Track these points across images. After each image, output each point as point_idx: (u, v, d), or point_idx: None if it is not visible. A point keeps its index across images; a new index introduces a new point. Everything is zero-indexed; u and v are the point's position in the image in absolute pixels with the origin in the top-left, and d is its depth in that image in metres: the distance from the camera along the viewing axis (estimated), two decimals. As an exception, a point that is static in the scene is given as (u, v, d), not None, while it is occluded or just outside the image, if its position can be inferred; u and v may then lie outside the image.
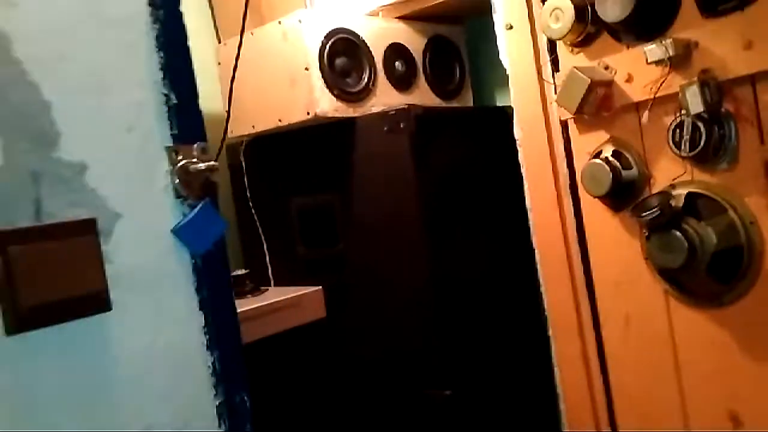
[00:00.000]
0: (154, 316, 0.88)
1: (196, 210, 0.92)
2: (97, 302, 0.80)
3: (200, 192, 0.93)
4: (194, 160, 0.93)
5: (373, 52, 1.96)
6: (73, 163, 0.81)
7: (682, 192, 1.44)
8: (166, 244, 0.91)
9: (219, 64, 2.08)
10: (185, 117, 0.94)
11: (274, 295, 1.81)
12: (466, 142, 2.02)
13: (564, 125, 1.70)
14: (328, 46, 1.86)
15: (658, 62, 1.40)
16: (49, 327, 0.77)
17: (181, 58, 0.94)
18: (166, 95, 0.92)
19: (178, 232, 0.91)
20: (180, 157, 0.93)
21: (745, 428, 1.45)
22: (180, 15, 0.94)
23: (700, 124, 1.36)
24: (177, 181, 0.92)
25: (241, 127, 2.01)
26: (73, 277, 0.78)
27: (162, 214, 0.90)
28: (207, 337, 0.93)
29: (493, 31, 1.82)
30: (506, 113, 1.86)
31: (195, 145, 0.94)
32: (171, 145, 0.92)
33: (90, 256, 0.80)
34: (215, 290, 0.95)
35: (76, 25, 0.84)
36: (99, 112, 0.85)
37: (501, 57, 1.81)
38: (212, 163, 0.93)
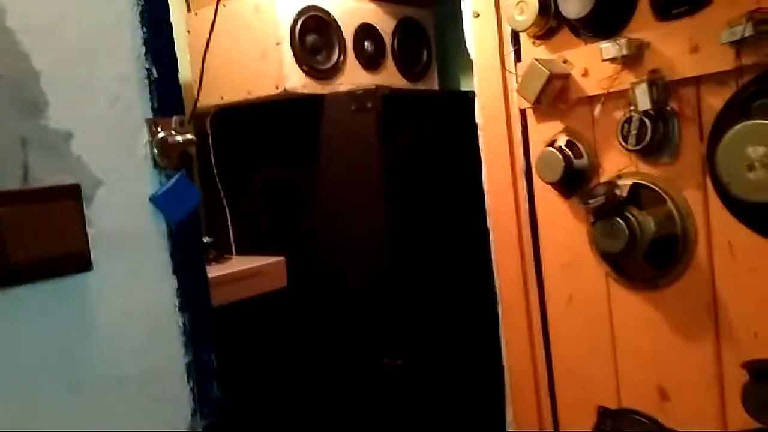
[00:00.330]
0: (130, 277, 0.94)
1: (173, 180, 0.98)
2: (79, 262, 0.86)
3: (177, 163, 0.99)
4: (173, 132, 0.98)
5: (343, 31, 2.01)
6: (59, 131, 0.86)
7: (627, 182, 1.54)
8: (143, 211, 0.96)
9: (188, 32, 2.10)
10: (165, 91, 0.98)
11: (238, 264, 1.87)
12: (430, 124, 2.09)
13: (523, 113, 1.77)
14: (299, 23, 1.90)
15: (612, 60, 1.47)
16: (35, 283, 0.82)
17: (163, 35, 0.98)
18: (147, 69, 0.96)
19: (156, 200, 0.97)
20: (159, 129, 0.97)
21: (671, 401, 1.57)
22: (163, -9, 0.99)
23: (647, 121, 1.45)
24: (156, 151, 0.97)
25: (209, 97, 2.03)
26: (57, 238, 0.83)
27: (141, 182, 0.96)
28: (179, 299, 1.00)
29: (461, 16, 1.88)
30: (469, 98, 1.92)
31: (174, 118, 0.99)
32: (151, 117, 0.97)
33: (73, 219, 0.85)
34: (188, 256, 1.01)
35: (65, -3, 0.88)
36: (85, 83, 0.89)
37: (467, 44, 1.88)
38: (189, 136, 0.99)
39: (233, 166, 2.17)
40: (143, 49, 0.96)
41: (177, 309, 0.99)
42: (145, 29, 0.96)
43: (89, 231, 0.87)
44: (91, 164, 0.89)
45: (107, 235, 0.90)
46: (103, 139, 0.91)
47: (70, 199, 0.85)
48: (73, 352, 0.87)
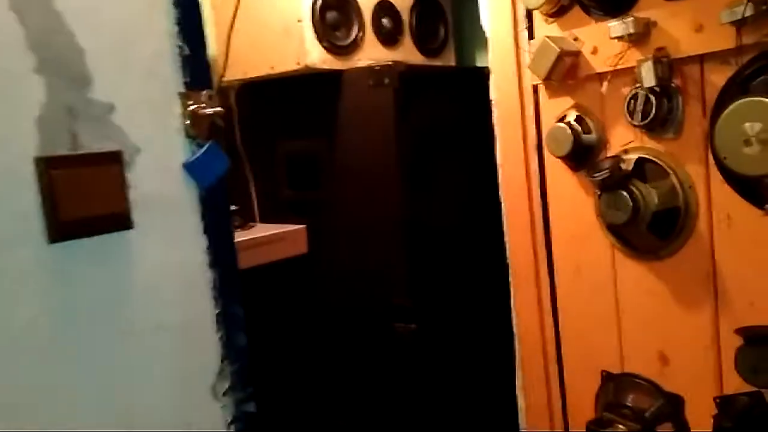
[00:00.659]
0: (166, 236, 1.04)
1: (203, 149, 1.07)
2: (121, 221, 0.96)
3: (207, 133, 1.08)
4: (203, 105, 1.07)
5: (362, 8, 2.07)
6: (103, 103, 0.96)
7: (632, 157, 1.60)
8: (177, 177, 1.06)
9: (213, 8, 2.18)
10: (196, 66, 1.08)
11: (261, 230, 1.97)
12: (445, 99, 2.15)
13: (535, 89, 1.82)
14: (320, 0, 1.97)
15: (619, 38, 1.52)
16: (82, 239, 0.92)
17: (193, 15, 1.07)
18: (180, 47, 1.05)
19: (188, 166, 1.06)
20: (191, 102, 1.07)
21: (670, 366, 1.65)
22: (194, -25, 1.07)
23: (652, 97, 1.50)
24: (188, 122, 1.06)
25: (233, 72, 2.12)
26: (102, 199, 0.93)
27: (175, 150, 1.05)
28: (209, 256, 1.10)
29: (477, -7, 1.94)
30: (484, 74, 1.97)
31: (203, 92, 1.08)
32: (183, 91, 1.06)
33: (116, 182, 0.95)
34: (217, 218, 1.11)
35: (107, -19, 0.97)
36: (124, 59, 0.99)
37: (482, 21, 1.94)
38: (218, 108, 1.08)
39: (256, 138, 2.26)
40: (176, 28, 1.05)
41: (207, 265, 1.10)
42: (177, 9, 1.05)
43: (130, 193, 0.98)
44: (131, 133, 0.99)
45: (145, 197, 1.00)
46: (141, 111, 1.01)
47: (113, 163, 0.95)
48: (117, 301, 0.98)
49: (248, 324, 1.20)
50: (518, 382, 2.03)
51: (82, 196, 0.91)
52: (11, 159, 0.87)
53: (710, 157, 1.46)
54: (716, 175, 1.47)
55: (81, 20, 0.93)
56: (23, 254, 0.88)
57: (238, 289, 1.14)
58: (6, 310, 0.88)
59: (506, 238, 1.97)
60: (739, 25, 1.32)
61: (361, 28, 2.06)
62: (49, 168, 0.88)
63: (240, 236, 1.81)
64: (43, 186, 0.88)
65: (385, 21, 2.13)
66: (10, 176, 0.87)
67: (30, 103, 0.89)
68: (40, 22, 0.89)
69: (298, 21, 1.94)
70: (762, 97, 1.27)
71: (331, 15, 2.00)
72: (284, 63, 2.01)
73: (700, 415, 1.57)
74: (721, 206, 1.49)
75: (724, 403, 1.49)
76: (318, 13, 1.96)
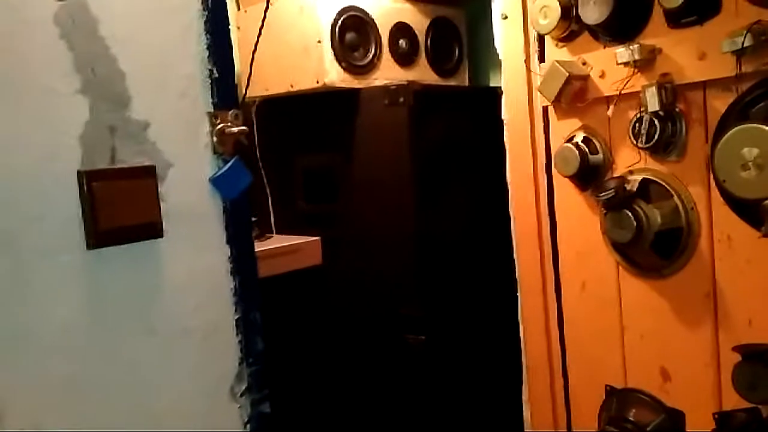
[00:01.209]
0: (193, 245, 1.12)
1: (228, 164, 1.15)
2: (154, 230, 1.04)
3: (233, 150, 1.16)
4: (229, 124, 1.15)
5: (379, 30, 2.14)
6: (139, 121, 1.04)
7: (637, 177, 1.66)
8: (204, 190, 1.14)
9: (238, 29, 2.27)
10: (224, 88, 1.16)
11: (278, 241, 2.04)
12: (458, 118, 2.21)
13: (545, 111, 1.89)
14: (339, 22, 2.04)
15: (626, 63, 1.59)
16: (119, 246, 1.01)
17: (223, 40, 1.15)
18: (210, 70, 1.14)
19: (214, 181, 1.14)
20: (218, 121, 1.15)
21: (672, 382, 1.70)
22: (224, 4, 1.16)
23: (656, 121, 1.56)
24: (215, 140, 1.15)
25: (255, 89, 2.19)
26: (137, 209, 1.01)
27: (203, 165, 1.14)
28: (231, 265, 1.18)
29: (491, 15, 2.00)
30: (497, 94, 2.03)
31: (230, 112, 1.16)
32: (212, 110, 1.15)
33: (149, 194, 1.03)
34: (239, 229, 1.19)
35: (145, 10, 1.05)
36: (160, 81, 1.07)
37: (496, 43, 2.01)
38: (243, 128, 1.16)
39: (275, 152, 2.33)
40: (206, 53, 1.13)
41: (230, 273, 1.17)
42: (208, 36, 1.13)
43: (162, 205, 1.06)
44: (164, 149, 1.07)
45: (175, 208, 1.08)
46: (173, 129, 1.09)
47: (147, 177, 1.03)
48: (147, 304, 1.06)
49: (265, 330, 1.27)
50: (524, 395, 2.08)
51: (119, 206, 0.99)
52: (57, 172, 0.96)
53: (711, 179, 1.52)
54: (717, 197, 1.53)
55: (122, 45, 1.02)
56: (64, 259, 0.96)
57: (257, 296, 1.22)
58: (46, 311, 0.96)
59: (515, 254, 2.03)
60: (740, 54, 1.39)
61: (379, 48, 2.14)
62: (90, 181, 0.97)
63: (258, 246, 1.88)
64: (85, 197, 0.96)
65: (401, 42, 2.21)
66: (55, 188, 0.96)
67: (74, 121, 0.98)
68: (85, 47, 0.97)
69: (318, 42, 2.02)
70: (760, 123, 1.33)
71: (349, 36, 2.08)
72: (304, 81, 2.09)
73: (700, 430, 1.61)
74: (721, 227, 1.54)
75: (723, 419, 1.54)
76: (337, 34, 2.04)
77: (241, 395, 1.20)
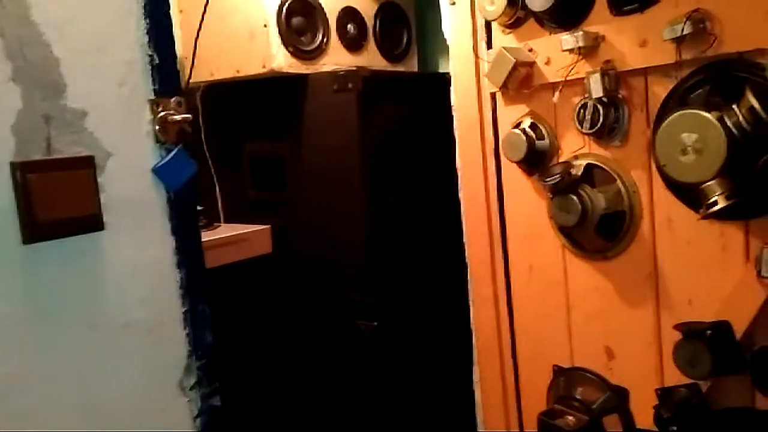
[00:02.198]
0: (136, 237, 1.09)
1: (172, 153, 1.12)
2: (93, 222, 1.00)
3: (176, 138, 1.13)
4: (172, 111, 1.12)
5: (327, 14, 2.12)
6: (76, 110, 1.00)
7: (582, 162, 1.69)
8: (147, 180, 1.11)
9: (180, 12, 2.20)
10: (165, 75, 1.12)
11: (226, 230, 2.01)
12: (407, 104, 2.21)
13: (493, 97, 1.90)
14: (286, 5, 2.01)
15: (570, 50, 1.61)
16: (56, 240, 0.97)
17: (164, 25, 1.12)
18: (150, 56, 1.10)
19: (157, 170, 1.11)
20: (160, 109, 1.11)
21: (616, 360, 1.75)
22: (164, -13, 1.12)
23: (600, 107, 1.59)
24: (157, 128, 1.11)
25: (199, 74, 2.14)
26: (75, 201, 0.97)
27: (144, 155, 1.10)
28: (177, 256, 1.15)
29: (440, 1, 1.99)
30: (446, 79, 2.04)
31: (173, 99, 1.13)
32: (153, 98, 1.11)
33: (88, 186, 0.99)
34: (185, 220, 1.16)
35: (81, -7, 1.01)
36: (97, 68, 1.03)
37: (443, 29, 2.01)
38: (187, 115, 1.13)
39: (222, 139, 2.29)
40: (146, 38, 1.10)
41: (175, 265, 1.15)
42: (148, 20, 1.09)
43: (101, 196, 1.02)
44: (103, 138, 1.03)
45: (116, 200, 1.05)
46: (113, 117, 1.05)
47: (85, 168, 0.99)
48: (88, 299, 1.02)
49: (214, 322, 1.25)
50: (475, 377, 2.11)
51: (56, 199, 0.95)
52: (-13, 163, 0.91)
53: (653, 164, 1.56)
54: (658, 181, 1.58)
55: (56, 31, 0.97)
56: (-2, 254, 0.92)
57: (204, 287, 1.19)
58: (-20, 308, 0.92)
59: (465, 238, 2.05)
60: (679, 41, 1.42)
61: (326, 33, 2.11)
62: (24, 172, 0.92)
63: (205, 236, 1.85)
64: (19, 189, 0.92)
65: (349, 27, 2.19)
66: (-14, 180, 0.91)
67: (6, 110, 0.93)
68: (17, 32, 0.92)
69: (264, 25, 1.99)
70: (698, 109, 1.37)
71: (296, 20, 2.05)
72: (250, 66, 2.05)
73: (644, 406, 1.67)
74: (662, 210, 1.59)
75: (665, 394, 1.59)
76: (284, 18, 2.01)
77: (191, 389, 1.18)
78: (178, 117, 1.12)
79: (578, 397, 1.81)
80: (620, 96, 1.60)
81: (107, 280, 1.04)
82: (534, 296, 1.91)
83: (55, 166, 0.96)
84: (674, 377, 1.59)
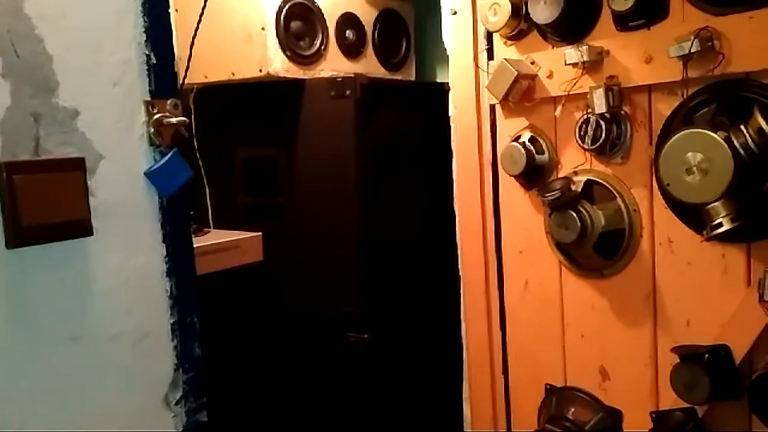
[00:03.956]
0: (125, 244, 1.04)
1: (166, 158, 1.07)
2: (82, 227, 0.95)
3: (171, 142, 1.08)
4: (168, 114, 1.08)
5: (326, 19, 2.08)
6: (67, 109, 0.95)
7: (582, 179, 1.67)
8: (139, 185, 1.06)
9: (176, 11, 2.16)
10: (162, 75, 1.08)
11: (216, 237, 1.95)
12: (405, 113, 2.19)
13: (492, 109, 1.88)
14: (285, 9, 1.97)
15: (574, 64, 1.59)
16: (42, 245, 0.92)
17: (162, 24, 1.07)
18: (147, 55, 1.06)
19: (150, 175, 1.06)
20: (156, 111, 1.07)
21: (611, 380, 1.72)
22: (164, -16, 1.08)
23: (602, 123, 1.58)
24: (152, 131, 1.06)
25: (194, 76, 2.09)
26: (63, 205, 0.92)
27: (137, 158, 1.05)
28: (167, 265, 1.10)
29: (440, 11, 1.97)
30: (444, 89, 2.02)
31: (169, 101, 1.09)
32: (148, 99, 1.06)
33: (77, 189, 0.94)
34: (177, 227, 1.11)
35: (77, -13, 0.96)
36: (92, 66, 0.98)
37: (444, 38, 1.99)
38: (183, 118, 1.08)
39: (214, 142, 2.24)
40: (144, 37, 1.05)
41: (165, 274, 1.10)
42: (146, 18, 1.05)
43: (91, 200, 0.97)
44: (94, 140, 0.99)
45: (106, 204, 1.00)
46: (106, 118, 1.00)
47: (75, 170, 0.94)
48: (73, 307, 0.97)
49: (202, 331, 1.20)
50: (465, 393, 2.08)
51: (44, 202, 0.90)
52: (-28, 163, 0.86)
53: (654, 182, 1.54)
54: (659, 200, 1.55)
55: (50, 25, 0.92)
56: (-21, 259, 0.87)
57: (194, 298, 1.15)
58: (-41, 314, 0.87)
59: (459, 251, 2.02)
60: (686, 59, 1.40)
61: (325, 38, 2.08)
62: (10, 173, 0.87)
63: (195, 242, 1.79)
64: (4, 191, 0.87)
65: (348, 33, 2.16)
66: (-30, 180, 0.86)
67: (-7, 106, 0.88)
68: (8, 26, 0.88)
69: (262, 29, 1.95)
70: (704, 128, 1.35)
71: (295, 24, 2.02)
72: (246, 69, 2.01)
73: (638, 429, 1.64)
74: (662, 230, 1.57)
75: (660, 418, 1.57)
76: (282, 21, 1.97)
77: (176, 404, 1.12)
78: (173, 120, 1.08)
79: (570, 417, 1.78)
80: (623, 112, 1.58)
81: (94, 289, 0.99)
82: (528, 313, 1.88)
83: (44, 168, 0.91)
84: (670, 400, 1.57)
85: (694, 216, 1.45)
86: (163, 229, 1.10)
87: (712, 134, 1.31)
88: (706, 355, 1.45)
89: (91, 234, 0.97)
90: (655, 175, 1.50)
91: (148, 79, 1.06)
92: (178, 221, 1.12)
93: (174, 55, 1.11)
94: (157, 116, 1.07)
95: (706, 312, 1.52)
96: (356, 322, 2.03)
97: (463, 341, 2.06)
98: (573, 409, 1.79)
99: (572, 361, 1.80)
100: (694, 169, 1.34)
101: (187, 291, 1.13)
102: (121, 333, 1.03)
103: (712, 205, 1.33)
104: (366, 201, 2.01)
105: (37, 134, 0.91)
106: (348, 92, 1.94)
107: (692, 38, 1.37)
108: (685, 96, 1.46)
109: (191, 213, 2.04)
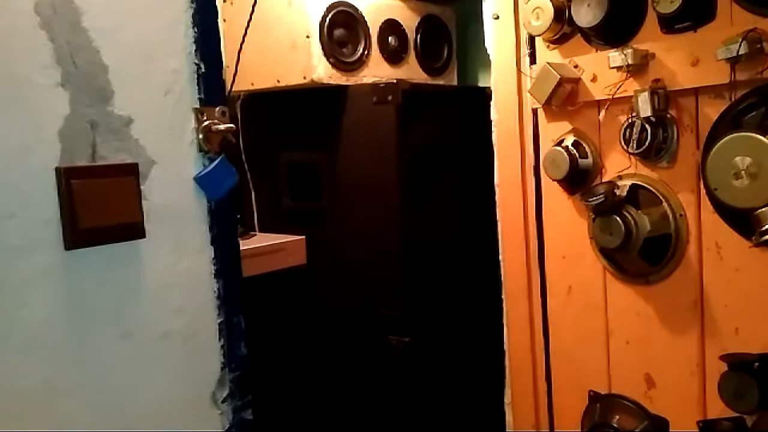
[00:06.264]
0: (176, 246, 1.08)
1: (214, 163, 1.11)
2: (135, 230, 1.00)
3: (219, 148, 1.12)
4: (216, 121, 1.12)
5: (369, 26, 2.11)
6: (122, 117, 1.00)
7: (626, 183, 1.64)
8: (188, 189, 1.10)
9: (224, 21, 2.22)
10: (211, 84, 1.12)
11: (261, 240, 2.00)
12: (447, 118, 2.19)
13: (534, 113, 1.87)
14: (329, 17, 2.01)
15: (618, 68, 1.57)
16: (97, 246, 0.96)
17: (211, 35, 1.11)
18: (197, 65, 1.10)
19: (199, 179, 1.10)
20: (205, 118, 1.11)
21: (656, 388, 1.69)
22: (213, -2, 1.12)
23: (648, 127, 1.55)
24: (201, 137, 1.11)
25: (240, 83, 2.15)
26: (117, 209, 0.97)
27: (187, 164, 1.10)
28: (215, 267, 1.14)
29: (482, 15, 1.97)
30: (486, 94, 2.02)
31: (217, 109, 1.12)
32: (198, 107, 1.11)
33: (131, 193, 0.99)
34: (224, 230, 1.15)
35: (131, 1, 1.01)
36: (144, 75, 1.03)
37: (486, 43, 1.99)
38: (230, 125, 1.12)
39: (259, 148, 2.29)
40: (194, 47, 1.09)
41: (213, 276, 1.14)
42: (196, 29, 1.09)
43: (144, 204, 1.02)
44: (147, 146, 1.03)
45: (158, 208, 1.05)
46: (158, 125, 1.05)
47: (129, 175, 0.99)
48: (126, 306, 1.02)
49: (247, 332, 1.24)
50: (507, 398, 2.07)
51: (99, 205, 0.95)
52: (34, 168, 0.91)
53: (702, 187, 1.51)
54: (707, 205, 1.52)
55: (106, 37, 0.97)
56: (40, 259, 0.92)
57: (241, 299, 1.18)
58: (20, 312, 0.92)
59: (501, 256, 2.02)
60: (734, 62, 1.38)
61: (368, 45, 2.11)
62: (69, 178, 0.92)
63: (241, 245, 1.84)
64: (63, 195, 0.92)
65: (391, 39, 2.18)
66: (32, 184, 0.91)
67: (53, 114, 0.93)
68: (67, 38, 0.93)
69: (307, 37, 1.99)
70: (753, 132, 1.32)
71: (338, 32, 2.05)
72: (291, 77, 2.05)
73: (684, 438, 1.61)
74: (710, 235, 1.54)
75: (707, 427, 1.54)
76: (326, 29, 2.00)
77: (223, 401, 1.16)
78: (221, 126, 1.11)
79: (615, 425, 1.75)
80: (669, 116, 1.56)
81: (145, 289, 1.04)
82: (571, 318, 1.86)
83: (100, 173, 0.96)
84: (717, 409, 1.53)
85: (742, 221, 1.42)
86: (211, 232, 1.14)
87: (762, 138, 1.28)
88: (756, 364, 1.42)
89: (144, 236, 1.02)
90: (702, 179, 1.48)
91: (197, 88, 1.11)
92: (225, 224, 1.15)
93: (222, 64, 1.15)
94: (205, 123, 1.11)
95: (755, 319, 1.48)
96: (397, 325, 2.04)
97: (505, 345, 2.05)
98: (618, 417, 1.76)
99: (617, 368, 1.77)
100: (743, 173, 1.32)
101: (233, 292, 1.16)
102: (171, 331, 1.07)
103: (761, 210, 1.30)
104: (407, 205, 2.02)
105: (93, 141, 0.96)
106: (390, 98, 1.96)
107: (740, 40, 1.34)
108: (732, 99, 1.43)
109: (238, 216, 2.12)
